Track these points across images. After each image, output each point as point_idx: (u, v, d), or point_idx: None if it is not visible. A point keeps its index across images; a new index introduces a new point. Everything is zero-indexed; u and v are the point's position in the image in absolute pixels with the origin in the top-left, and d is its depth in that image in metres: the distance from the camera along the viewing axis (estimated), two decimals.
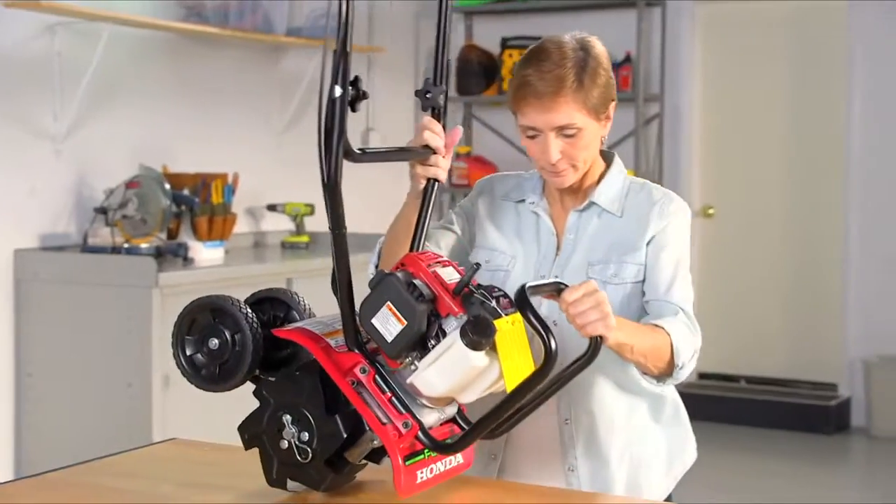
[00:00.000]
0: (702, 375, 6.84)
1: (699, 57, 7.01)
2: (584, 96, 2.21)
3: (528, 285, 1.85)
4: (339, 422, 1.92)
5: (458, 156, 7.10)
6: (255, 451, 2.02)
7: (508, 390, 1.82)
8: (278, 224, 6.03)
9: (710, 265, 6.95)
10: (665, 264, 2.28)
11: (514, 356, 1.83)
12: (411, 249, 2.11)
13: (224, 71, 5.77)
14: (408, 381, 1.88)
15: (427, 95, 2.14)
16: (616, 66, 6.66)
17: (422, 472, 1.92)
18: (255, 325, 1.99)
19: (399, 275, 1.86)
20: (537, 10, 7.02)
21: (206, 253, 5.09)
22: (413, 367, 1.87)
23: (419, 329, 1.83)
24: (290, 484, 1.99)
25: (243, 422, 2.04)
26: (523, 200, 2.42)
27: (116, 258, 4.70)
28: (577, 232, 2.34)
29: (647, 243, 2.29)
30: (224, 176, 5.43)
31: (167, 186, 4.99)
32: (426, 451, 1.92)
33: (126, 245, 4.83)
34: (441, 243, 2.42)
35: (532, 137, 2.27)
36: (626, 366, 2.23)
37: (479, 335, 1.79)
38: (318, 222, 6.04)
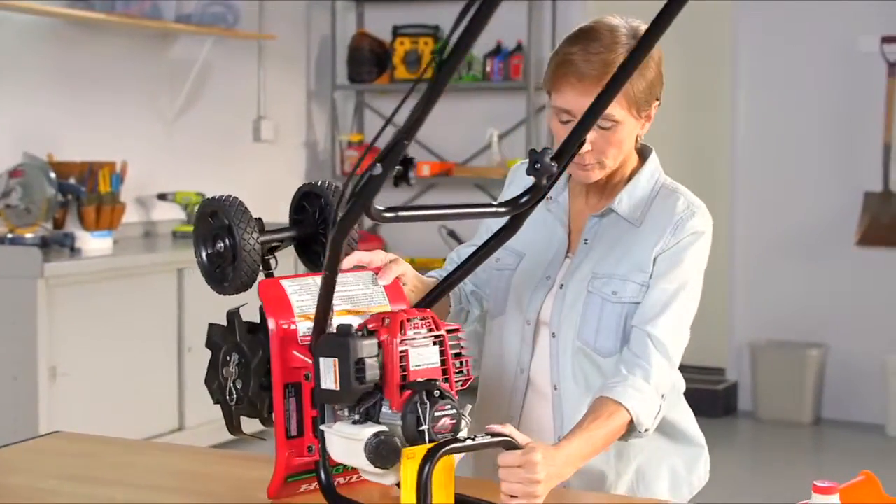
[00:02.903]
0: None
1: None
2: (630, 88, 2.05)
3: (456, 442, 1.68)
4: (267, 402, 1.88)
5: (350, 144, 7.08)
6: (137, 444, 1.98)
7: None
8: (169, 213, 5.95)
9: None
10: (661, 290, 2.11)
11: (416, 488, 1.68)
12: (422, 303, 1.95)
13: (111, 58, 5.67)
14: (321, 426, 1.81)
15: (536, 166, 1.80)
16: (507, 55, 6.70)
17: (307, 485, 1.90)
18: (254, 252, 1.90)
19: (360, 344, 1.71)
20: None
21: (93, 243, 5.01)
22: (341, 412, 1.79)
23: (348, 402, 1.75)
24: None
25: (215, 324, 1.98)
26: None
27: (0, 249, 4.60)
28: (594, 237, 2.18)
29: (654, 260, 2.13)
30: (112, 164, 5.35)
31: (52, 175, 4.90)
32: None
33: (10, 235, 4.73)
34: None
35: (564, 122, 2.09)
36: None
37: (377, 458, 1.69)
38: None
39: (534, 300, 2.20)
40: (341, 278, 1.93)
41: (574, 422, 2.05)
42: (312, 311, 1.82)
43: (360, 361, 1.71)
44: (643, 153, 2.22)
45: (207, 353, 2.02)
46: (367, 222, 6.99)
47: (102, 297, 4.79)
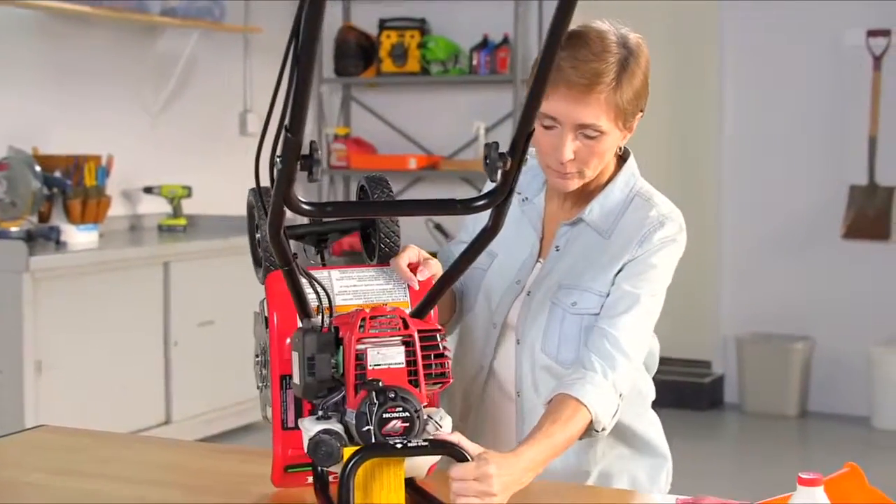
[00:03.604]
0: None
1: None
2: (618, 99, 2.01)
3: (412, 442, 1.65)
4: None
5: (336, 137, 7.07)
6: (123, 437, 1.97)
7: None
8: (155, 207, 5.94)
9: None
10: (625, 291, 2.08)
11: (369, 490, 1.67)
12: (422, 305, 1.87)
13: (97, 51, 5.65)
14: (299, 419, 1.82)
15: (486, 161, 1.64)
16: (494, 48, 6.70)
17: (310, 478, 1.89)
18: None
19: (311, 340, 1.72)
20: None
21: (79, 236, 4.99)
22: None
23: (306, 397, 1.75)
24: None
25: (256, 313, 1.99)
26: (519, 193, 2.19)
27: None
28: (566, 245, 2.16)
29: (617, 272, 2.10)
30: (97, 158, 5.33)
31: (38, 168, 4.89)
32: None
33: None
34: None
35: (548, 128, 2.04)
36: None
37: (315, 456, 1.67)
38: (196, 205, 5.96)
39: (502, 304, 2.19)
40: (360, 272, 1.93)
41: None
42: (315, 304, 1.80)
43: (312, 358, 1.71)
44: (622, 156, 2.19)
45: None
46: None
47: (88, 290, 4.78)
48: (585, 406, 1.98)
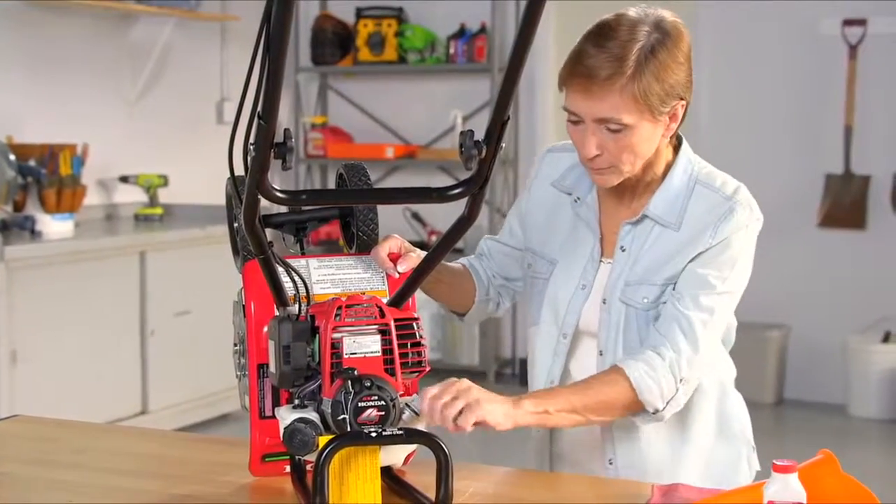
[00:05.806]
0: None
1: (553, 28, 7.08)
2: (641, 89, 1.90)
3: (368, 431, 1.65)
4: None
5: (313, 126, 7.05)
6: (98, 427, 1.96)
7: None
8: (131, 196, 5.91)
9: None
10: (697, 275, 2.00)
11: (344, 479, 1.68)
12: (394, 302, 1.87)
13: (72, 39, 5.62)
14: (275, 408, 1.83)
15: (462, 149, 1.62)
16: (471, 37, 6.69)
17: (288, 467, 1.90)
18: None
19: (286, 328, 1.72)
20: None
21: (54, 226, 4.97)
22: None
23: (282, 385, 1.76)
24: None
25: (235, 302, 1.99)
26: (570, 193, 2.14)
27: None
28: (631, 244, 2.06)
29: (691, 260, 2.02)
30: (73, 147, 5.30)
31: (12, 157, 4.86)
32: None
33: None
34: (496, 260, 2.25)
35: (574, 123, 1.98)
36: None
37: (291, 445, 1.69)
38: (172, 194, 5.94)
39: (570, 312, 2.11)
40: (338, 261, 1.94)
41: (628, 438, 2.07)
42: (292, 293, 1.81)
43: (288, 346, 1.72)
44: (677, 142, 2.10)
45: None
46: None
47: (64, 280, 4.76)
48: (629, 378, 1.94)
